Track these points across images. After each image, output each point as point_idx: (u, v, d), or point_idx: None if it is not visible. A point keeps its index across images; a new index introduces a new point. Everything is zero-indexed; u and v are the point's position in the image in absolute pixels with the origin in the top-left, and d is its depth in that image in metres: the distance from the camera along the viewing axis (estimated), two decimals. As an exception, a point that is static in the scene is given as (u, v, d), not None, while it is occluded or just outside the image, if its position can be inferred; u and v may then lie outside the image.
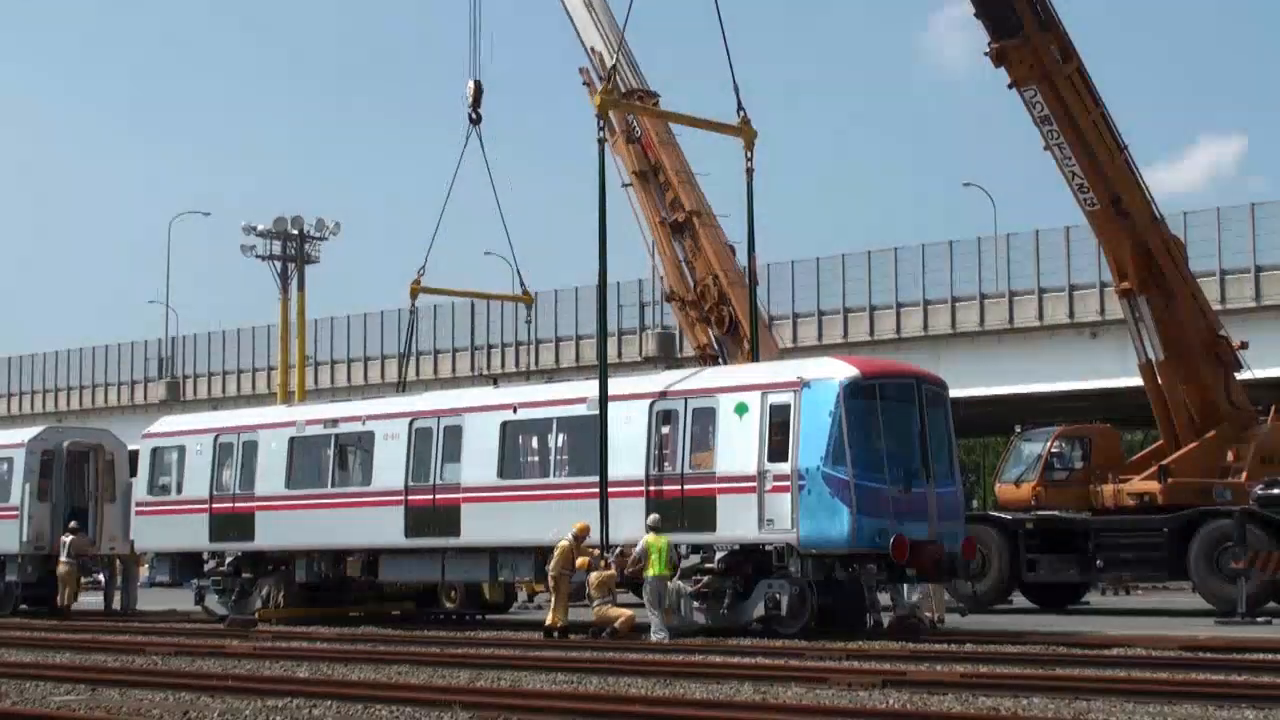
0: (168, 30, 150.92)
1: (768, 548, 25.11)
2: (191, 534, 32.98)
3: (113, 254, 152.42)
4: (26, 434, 39.24)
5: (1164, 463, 32.77)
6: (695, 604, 25.60)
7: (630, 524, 25.86)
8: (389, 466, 30.08)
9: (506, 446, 28.91)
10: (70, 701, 16.44)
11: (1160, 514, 32.04)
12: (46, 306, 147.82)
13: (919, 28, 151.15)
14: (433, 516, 29.22)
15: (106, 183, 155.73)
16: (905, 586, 25.75)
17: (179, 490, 33.55)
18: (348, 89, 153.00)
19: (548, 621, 26.13)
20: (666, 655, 21.42)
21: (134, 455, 37.18)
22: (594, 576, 25.78)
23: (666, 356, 55.63)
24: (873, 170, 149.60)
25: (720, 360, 37.65)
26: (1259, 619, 28.35)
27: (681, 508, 25.89)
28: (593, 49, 38.79)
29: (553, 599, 26.39)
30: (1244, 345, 33.54)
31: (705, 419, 26.21)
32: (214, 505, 32.68)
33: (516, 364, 62.18)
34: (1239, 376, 33.41)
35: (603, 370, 27.61)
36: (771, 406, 25.24)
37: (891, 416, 25.55)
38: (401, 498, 29.69)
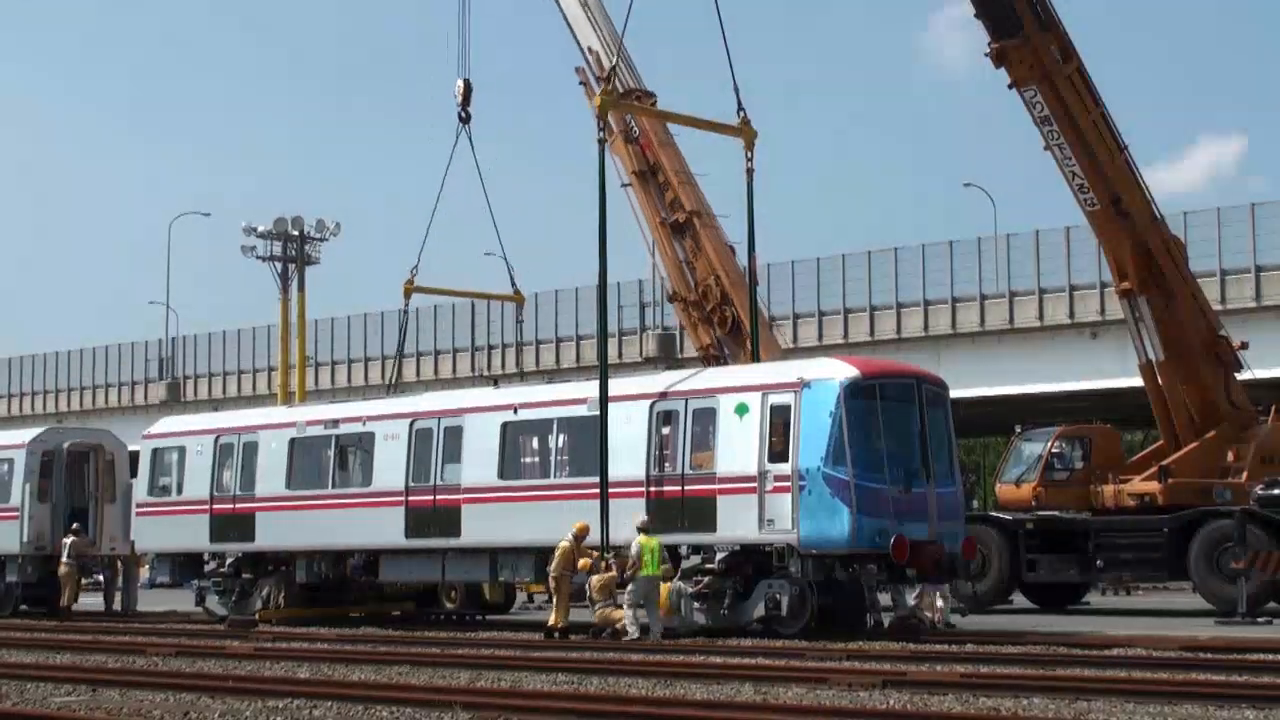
0: (168, 30, 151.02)
1: (768, 548, 25.12)
2: (192, 535, 33.01)
3: (113, 254, 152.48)
4: (27, 434, 39.26)
5: (1164, 463, 32.77)
6: (696, 604, 25.63)
7: (630, 525, 25.82)
8: (389, 467, 30.10)
9: (507, 447, 28.92)
10: (71, 702, 16.45)
11: (1160, 514, 32.02)
12: (46, 307, 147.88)
13: (919, 28, 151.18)
14: (433, 517, 29.23)
15: (106, 183, 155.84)
16: (916, 588, 25.60)
17: (179, 491, 33.58)
18: (347, 89, 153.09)
19: (549, 622, 26.18)
20: (667, 656, 21.42)
21: (134, 456, 37.19)
22: (595, 579, 25.84)
23: (667, 357, 55.55)
24: (873, 170, 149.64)
25: (724, 361, 37.63)
26: (1259, 619, 28.34)
27: (682, 508, 25.91)
28: (589, 49, 38.64)
29: (554, 600, 26.43)
30: (1244, 345, 33.53)
31: (705, 419, 26.21)
32: (214, 506, 32.70)
33: (516, 364, 62.10)
34: (1239, 376, 33.39)
35: (603, 371, 27.62)
36: (772, 407, 25.25)
37: (892, 417, 25.56)
38: (402, 498, 29.70)
